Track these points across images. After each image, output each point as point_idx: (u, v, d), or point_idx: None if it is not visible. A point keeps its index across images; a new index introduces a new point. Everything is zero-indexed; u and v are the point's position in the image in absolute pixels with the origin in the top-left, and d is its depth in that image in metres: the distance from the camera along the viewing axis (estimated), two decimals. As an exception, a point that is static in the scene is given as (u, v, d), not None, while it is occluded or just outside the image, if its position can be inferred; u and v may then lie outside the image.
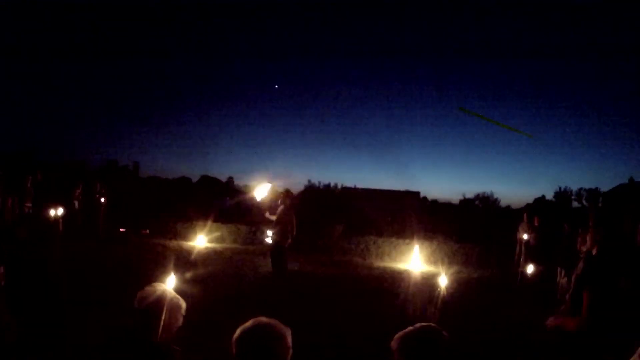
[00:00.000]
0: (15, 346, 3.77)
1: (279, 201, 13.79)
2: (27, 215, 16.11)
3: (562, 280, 10.73)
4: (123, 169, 40.64)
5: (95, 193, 18.65)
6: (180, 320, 3.33)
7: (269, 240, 13.69)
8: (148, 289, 3.29)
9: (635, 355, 2.46)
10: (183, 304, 3.36)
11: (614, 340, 4.57)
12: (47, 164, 27.48)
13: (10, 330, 3.75)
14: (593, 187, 47.06)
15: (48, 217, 13.32)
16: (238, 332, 2.78)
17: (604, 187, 44.37)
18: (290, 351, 2.77)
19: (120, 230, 18.95)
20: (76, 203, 18.35)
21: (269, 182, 13.73)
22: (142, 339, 3.16)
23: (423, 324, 3.08)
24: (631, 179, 35.83)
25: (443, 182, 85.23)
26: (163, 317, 3.18)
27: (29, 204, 16.49)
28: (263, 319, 2.84)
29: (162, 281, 3.86)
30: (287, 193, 13.83)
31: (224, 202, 26.73)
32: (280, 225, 13.33)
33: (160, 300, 3.21)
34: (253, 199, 14.33)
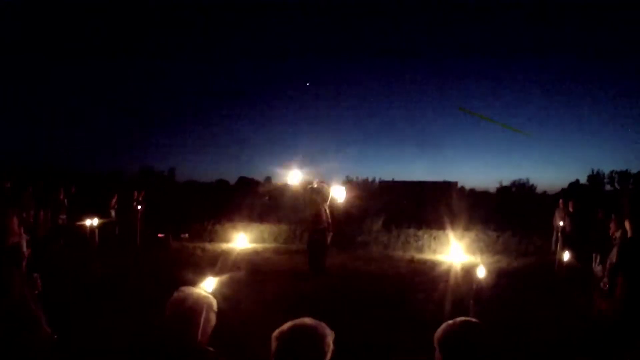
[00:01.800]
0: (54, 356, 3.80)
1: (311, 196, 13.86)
2: (61, 227, 16.27)
3: (597, 268, 10.57)
4: (159, 176, 41.05)
5: (132, 201, 18.79)
6: (214, 319, 3.32)
7: None
8: (176, 294, 3.28)
9: None
10: (214, 302, 3.35)
11: None
12: (82, 175, 27.81)
13: (49, 341, 3.78)
14: (624, 169, 46.43)
15: (83, 228, 13.43)
16: (277, 331, 2.80)
17: (634, 169, 43.60)
18: (331, 349, 2.77)
19: (159, 236, 19.08)
20: (112, 212, 18.50)
21: (299, 170, 13.92)
22: (176, 344, 3.15)
23: (464, 318, 3.07)
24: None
25: (480, 170, 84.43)
26: (196, 320, 3.18)
27: (63, 216, 16.63)
28: (306, 320, 2.85)
29: (199, 284, 3.86)
30: (314, 188, 13.88)
31: (263, 202, 26.84)
32: (316, 221, 13.39)
33: (189, 304, 3.20)
34: (287, 185, 14.58)
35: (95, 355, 6.59)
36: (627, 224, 5.34)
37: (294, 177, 14.19)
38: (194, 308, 3.20)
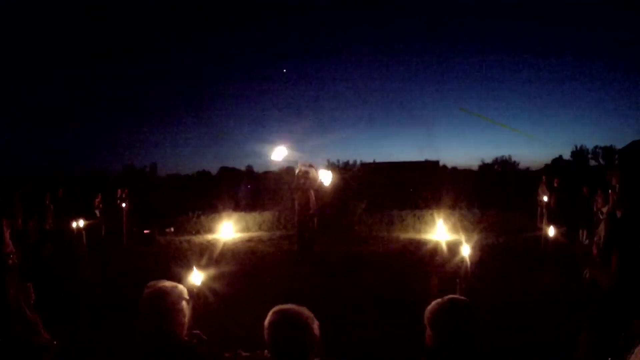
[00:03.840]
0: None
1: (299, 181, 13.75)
2: (49, 231, 16.18)
3: (585, 242, 10.66)
4: (140, 172, 40.92)
5: (116, 199, 18.72)
6: (187, 308, 3.29)
7: None
8: (146, 291, 3.24)
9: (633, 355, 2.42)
10: (184, 291, 3.31)
11: None
12: (65, 178, 27.61)
13: (48, 346, 3.78)
14: (608, 144, 46.88)
15: (70, 231, 13.31)
16: (267, 322, 2.89)
17: (618, 144, 44.06)
18: (318, 335, 2.84)
19: (145, 232, 19.01)
20: (97, 212, 18.44)
21: (284, 146, 13.49)
22: (156, 341, 3.13)
23: (452, 296, 3.14)
24: (645, 135, 35.61)
25: (461, 148, 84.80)
26: (170, 315, 3.16)
27: (50, 220, 16.53)
28: (289, 306, 2.90)
29: (187, 278, 3.84)
30: (302, 173, 13.78)
31: (246, 190, 26.84)
32: (305, 207, 13.38)
33: (160, 299, 3.17)
34: (271, 161, 14.14)
35: (92, 357, 6.58)
36: (613, 198, 5.35)
37: (279, 153, 13.68)
38: (166, 303, 3.18)
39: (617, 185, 5.50)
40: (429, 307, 3.13)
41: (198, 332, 3.36)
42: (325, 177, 13.90)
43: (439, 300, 3.14)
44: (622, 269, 4.78)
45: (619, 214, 5.24)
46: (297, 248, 13.73)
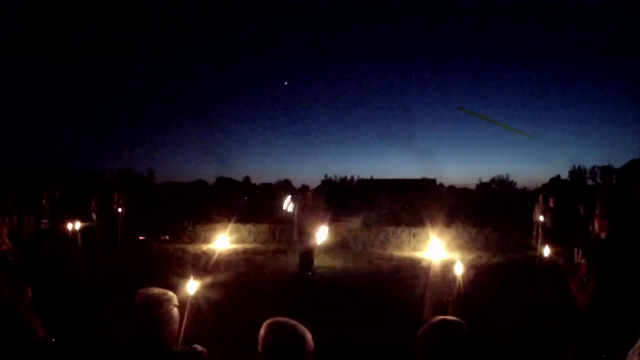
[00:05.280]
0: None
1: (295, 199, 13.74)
2: (44, 231, 16.16)
3: (581, 262, 10.66)
4: (138, 178, 40.90)
5: (112, 203, 18.72)
6: (177, 314, 3.28)
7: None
8: (137, 298, 3.25)
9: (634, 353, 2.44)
10: (174, 298, 3.30)
11: (622, 320, 4.52)
12: (62, 178, 27.59)
13: (44, 345, 3.78)
14: (606, 164, 46.90)
15: (65, 232, 13.28)
16: (262, 334, 2.89)
17: (617, 163, 44.07)
18: (313, 348, 2.85)
19: (140, 238, 18.99)
20: (93, 215, 18.40)
21: (288, 194, 13.65)
22: (149, 348, 3.13)
23: (443, 317, 3.13)
24: (643, 153, 35.56)
25: (459, 166, 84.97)
26: (162, 322, 3.17)
27: (46, 220, 16.50)
28: (283, 319, 2.92)
29: (182, 287, 3.85)
30: (301, 192, 13.82)
31: (242, 202, 26.83)
32: (303, 224, 13.34)
33: (151, 306, 3.17)
34: (284, 211, 14.26)
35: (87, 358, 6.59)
36: (599, 220, 5.35)
37: (287, 203, 13.93)
38: (157, 311, 3.18)
39: (604, 204, 5.52)
40: (421, 329, 3.12)
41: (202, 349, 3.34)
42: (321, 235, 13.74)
43: (430, 321, 3.11)
44: (599, 291, 4.79)
45: (603, 234, 5.26)
46: (299, 270, 13.51)
